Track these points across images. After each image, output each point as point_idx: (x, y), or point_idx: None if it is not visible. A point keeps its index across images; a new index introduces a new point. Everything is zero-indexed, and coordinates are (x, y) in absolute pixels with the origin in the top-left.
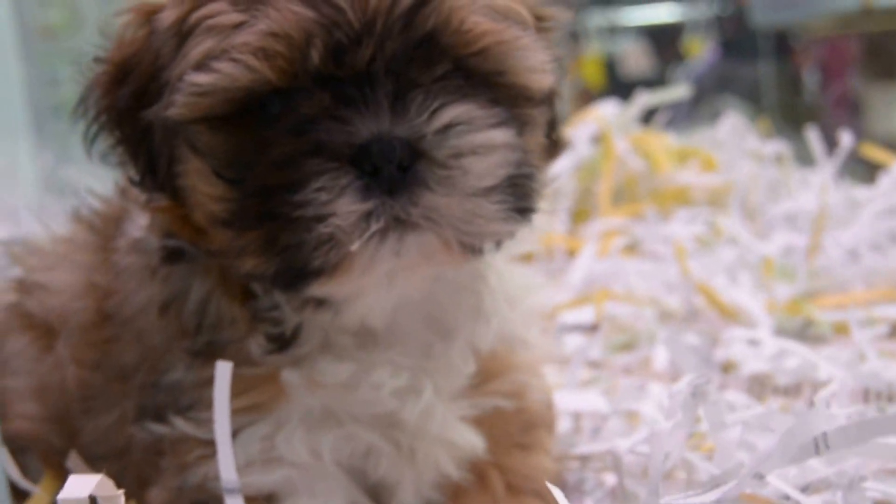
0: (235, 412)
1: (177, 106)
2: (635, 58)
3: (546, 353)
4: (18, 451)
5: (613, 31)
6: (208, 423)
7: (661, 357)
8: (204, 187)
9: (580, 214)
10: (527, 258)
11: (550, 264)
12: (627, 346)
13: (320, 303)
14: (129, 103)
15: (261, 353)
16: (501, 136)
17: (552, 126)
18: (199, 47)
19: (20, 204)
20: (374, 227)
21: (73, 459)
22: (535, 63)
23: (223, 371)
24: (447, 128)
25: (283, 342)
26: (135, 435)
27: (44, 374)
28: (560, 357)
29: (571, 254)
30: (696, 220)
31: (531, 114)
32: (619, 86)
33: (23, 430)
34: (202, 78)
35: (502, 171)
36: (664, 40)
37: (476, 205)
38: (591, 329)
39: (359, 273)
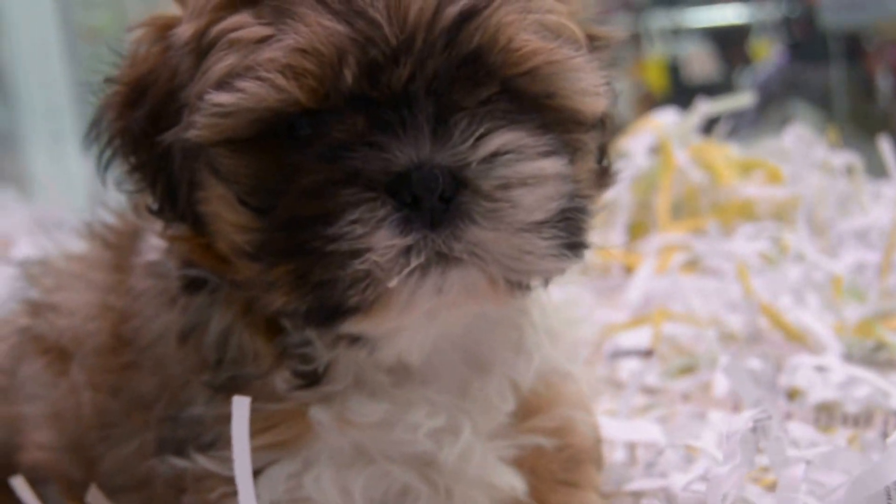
0: (259, 449)
1: (197, 127)
2: (700, 61)
3: (592, 389)
4: (38, 482)
5: (677, 32)
6: (231, 460)
7: (721, 383)
8: (228, 215)
9: (638, 229)
10: (581, 274)
11: (606, 281)
12: (686, 371)
13: (354, 340)
14: (144, 126)
15: (287, 388)
16: (553, 165)
17: (603, 152)
18: (221, 64)
19: (66, 213)
20: (415, 262)
21: (93, 494)
22: (587, 85)
23: (241, 407)
24: (494, 156)
25: (311, 379)
26: (156, 467)
27: (58, 400)
28: (610, 386)
29: (629, 270)
30: (761, 235)
31: (582, 139)
32: (682, 90)
33: (40, 460)
34: (225, 98)
35: (554, 205)
36: (730, 42)
37: (526, 241)
38: (648, 352)
39: (398, 311)
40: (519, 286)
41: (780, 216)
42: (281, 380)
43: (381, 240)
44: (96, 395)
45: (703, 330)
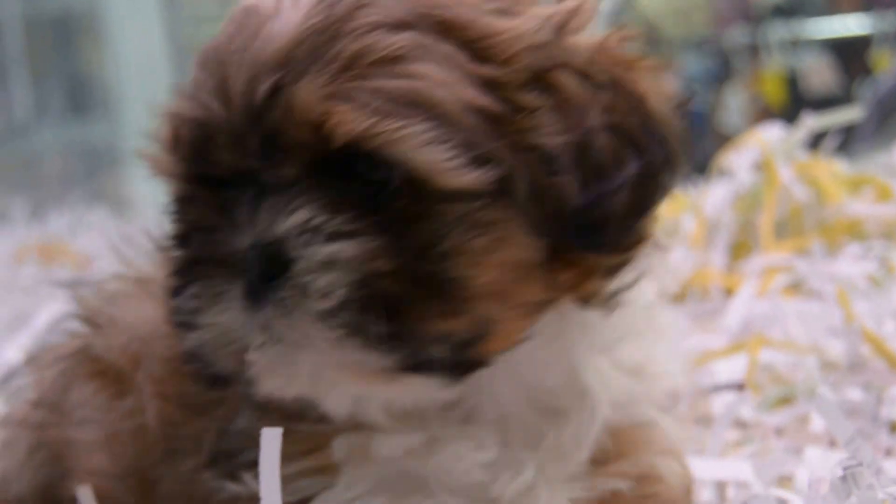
0: (304, 474)
1: None
2: (819, 73)
3: (680, 433)
4: None
5: (796, 44)
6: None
7: (819, 416)
8: None
9: (740, 249)
10: (679, 298)
11: (704, 304)
12: (783, 402)
13: None
14: None
15: (316, 414)
16: (351, 248)
17: (605, 217)
18: None
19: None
20: (257, 339)
21: None
22: (435, 157)
23: (271, 440)
24: (296, 236)
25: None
26: (209, 485)
27: (114, 423)
28: (702, 419)
29: (729, 292)
30: (868, 256)
31: (452, 211)
32: (801, 103)
33: (96, 490)
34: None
35: (342, 292)
36: (850, 54)
37: (312, 330)
38: (741, 385)
39: (268, 383)
40: (383, 370)
41: (890, 235)
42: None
43: (210, 316)
44: (165, 404)
45: (803, 358)
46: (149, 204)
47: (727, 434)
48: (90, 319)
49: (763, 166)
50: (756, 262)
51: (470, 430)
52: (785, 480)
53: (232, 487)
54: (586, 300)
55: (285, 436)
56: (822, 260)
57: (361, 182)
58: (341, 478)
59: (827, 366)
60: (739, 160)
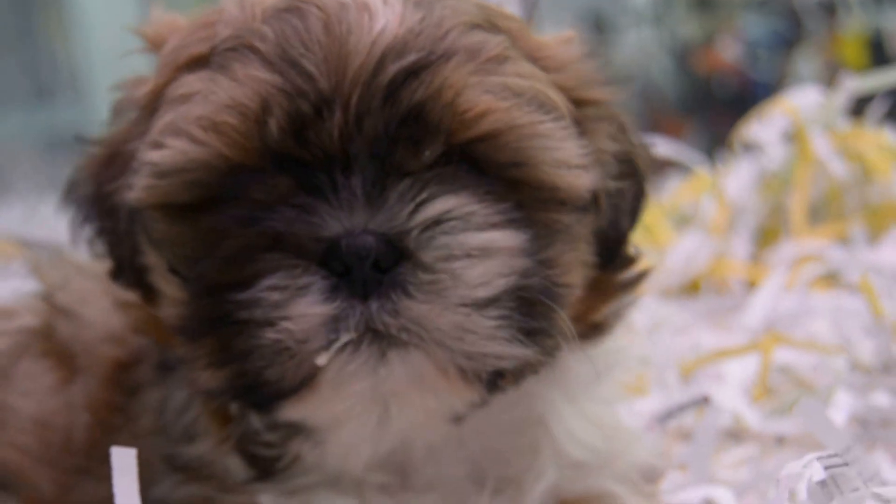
0: None
1: (135, 189)
2: None
3: None
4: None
5: (880, 1)
6: None
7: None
8: (161, 285)
9: (768, 236)
10: (691, 290)
11: (723, 300)
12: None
13: (296, 429)
14: (108, 190)
15: (244, 477)
16: (505, 238)
17: (610, 241)
18: (160, 122)
19: None
20: (345, 337)
21: None
22: (562, 156)
23: (124, 460)
24: (436, 223)
25: (265, 469)
26: None
27: (53, 410)
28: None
29: (752, 285)
30: None
31: (562, 221)
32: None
33: (11, 461)
34: (156, 156)
35: (503, 282)
36: None
37: (466, 318)
38: (705, 399)
39: (329, 394)
40: (478, 377)
41: None
42: (236, 466)
43: (300, 307)
44: (93, 423)
45: (829, 359)
46: None
47: (723, 448)
48: (53, 301)
49: (795, 138)
50: (785, 251)
51: (406, 499)
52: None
53: None
54: (586, 330)
55: (209, 503)
56: (864, 248)
57: (490, 176)
58: None
59: (857, 367)
60: (766, 132)
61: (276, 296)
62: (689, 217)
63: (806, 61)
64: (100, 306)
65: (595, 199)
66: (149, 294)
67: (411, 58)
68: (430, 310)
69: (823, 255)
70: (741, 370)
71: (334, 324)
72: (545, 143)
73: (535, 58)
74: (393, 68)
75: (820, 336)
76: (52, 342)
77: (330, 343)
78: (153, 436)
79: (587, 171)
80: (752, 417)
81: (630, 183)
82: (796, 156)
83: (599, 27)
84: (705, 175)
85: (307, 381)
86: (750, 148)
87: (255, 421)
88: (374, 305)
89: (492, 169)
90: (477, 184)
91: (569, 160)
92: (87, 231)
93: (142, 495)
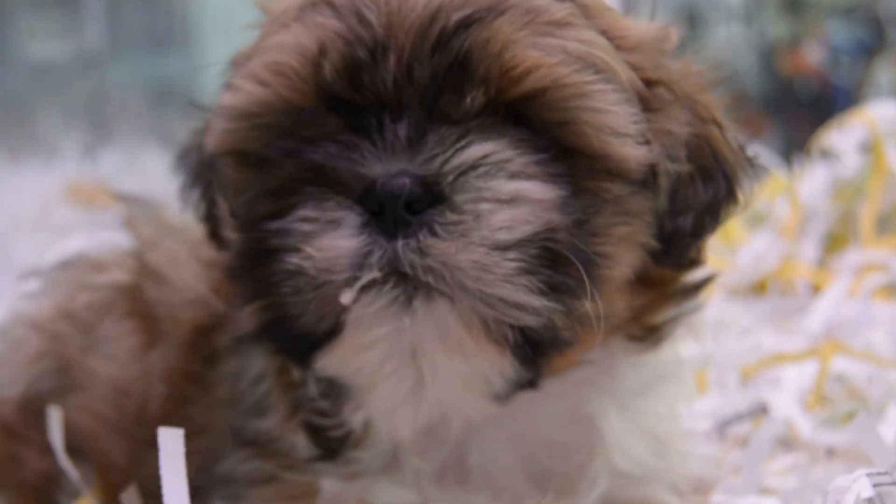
0: None
1: (212, 134)
2: None
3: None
4: (73, 450)
5: None
6: None
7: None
8: (228, 233)
9: (836, 241)
10: (759, 290)
11: (788, 301)
12: (849, 418)
13: (343, 393)
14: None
15: (307, 457)
16: (537, 189)
17: (675, 232)
18: (241, 70)
19: None
20: (369, 274)
21: (129, 495)
22: (611, 122)
23: (172, 440)
24: (471, 168)
25: (328, 447)
26: None
27: (132, 378)
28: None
29: (817, 290)
30: None
31: (611, 191)
32: None
33: (87, 428)
34: (228, 98)
35: (527, 228)
36: None
37: (485, 257)
38: (764, 409)
39: (354, 340)
40: (504, 337)
41: None
42: (301, 443)
43: (327, 239)
44: (167, 393)
45: (883, 370)
46: None
47: (773, 455)
48: (144, 260)
49: (871, 149)
50: (851, 258)
51: (460, 495)
52: None
53: None
54: (642, 332)
55: (272, 481)
56: None
57: (534, 133)
58: None
59: None
60: (844, 141)
61: (307, 226)
62: (763, 217)
63: (884, 70)
64: (188, 270)
65: (654, 176)
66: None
67: (465, 11)
68: (451, 247)
69: (888, 265)
70: (798, 376)
71: (359, 259)
72: (593, 104)
73: (609, 35)
74: (446, 19)
75: (878, 346)
76: (138, 303)
77: (354, 280)
78: (227, 407)
79: (640, 144)
80: (805, 425)
81: (709, 179)
82: (871, 166)
83: (692, 21)
84: (781, 177)
85: (333, 323)
86: (827, 154)
87: (312, 387)
88: (400, 244)
89: (539, 128)
90: (518, 134)
91: (618, 127)
92: (194, 195)
93: (209, 471)
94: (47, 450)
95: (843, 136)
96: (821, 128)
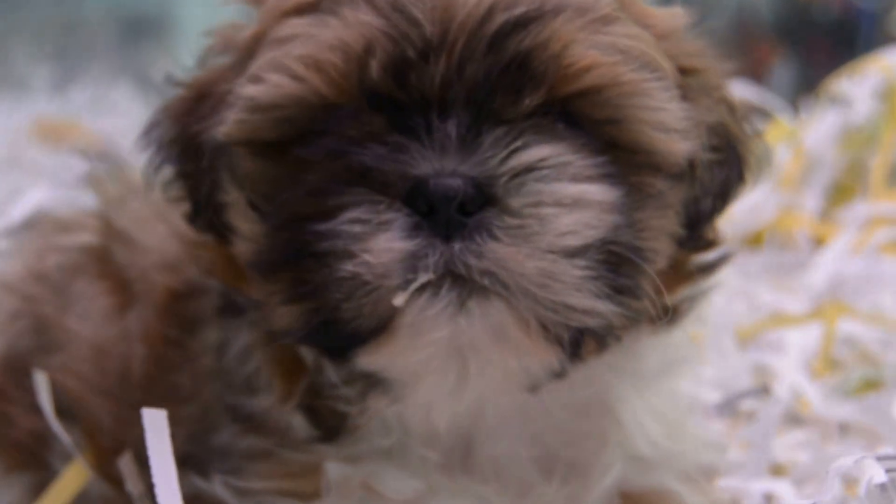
0: (273, 493)
1: (226, 123)
2: None
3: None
4: (61, 411)
5: None
6: (248, 493)
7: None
8: (239, 222)
9: (842, 193)
10: (753, 243)
11: (787, 255)
12: (869, 387)
13: (375, 382)
14: (195, 130)
15: (307, 437)
16: (598, 192)
17: (697, 216)
18: (260, 60)
19: None
20: (423, 277)
21: (126, 462)
22: (663, 119)
23: (155, 420)
24: (528, 171)
25: (330, 429)
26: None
27: (110, 338)
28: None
29: (819, 243)
30: None
31: (656, 185)
32: None
33: (71, 388)
34: (252, 90)
35: (593, 233)
36: None
37: (553, 265)
38: (764, 389)
39: (406, 341)
40: (560, 337)
41: None
42: (298, 424)
43: (381, 242)
44: (148, 355)
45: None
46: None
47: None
48: (110, 222)
49: (885, 97)
50: (858, 211)
51: (466, 483)
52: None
53: (198, 483)
54: (661, 314)
55: (270, 458)
56: None
57: (587, 131)
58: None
59: None
60: (857, 88)
61: (357, 228)
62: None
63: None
64: (155, 232)
65: (691, 167)
66: (223, 234)
67: (520, 9)
68: (516, 252)
69: None
70: (802, 339)
71: (413, 261)
72: (647, 103)
73: (643, 24)
74: (501, 18)
75: (886, 307)
76: (108, 264)
77: (408, 282)
78: (214, 378)
79: (686, 138)
80: (815, 397)
81: (723, 163)
82: (884, 115)
83: None
84: (784, 123)
85: (384, 324)
86: (837, 100)
87: (332, 374)
88: (456, 246)
89: (589, 125)
90: (573, 136)
91: (668, 123)
92: (165, 174)
93: (204, 441)
94: (35, 409)
95: (857, 82)
96: (839, 62)
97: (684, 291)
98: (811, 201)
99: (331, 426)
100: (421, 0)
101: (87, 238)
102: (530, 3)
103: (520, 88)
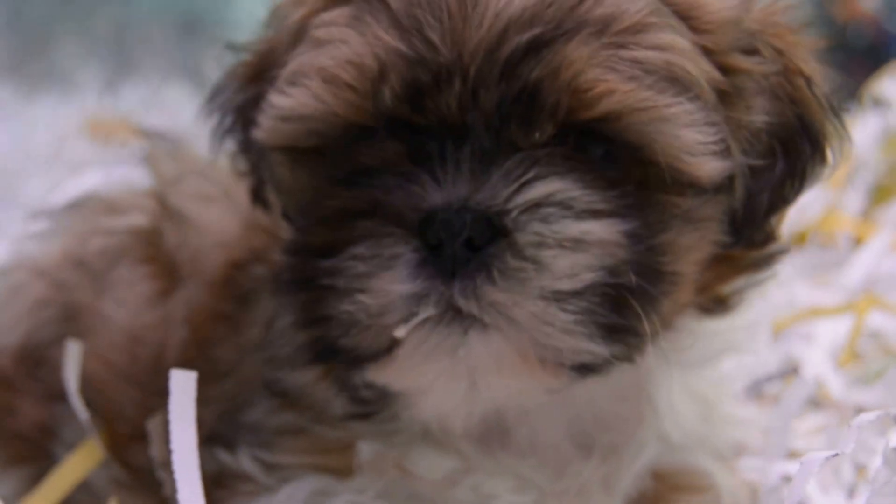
0: (305, 467)
1: (261, 129)
2: None
3: (731, 496)
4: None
5: None
6: (277, 468)
7: None
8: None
9: (882, 193)
10: (798, 242)
11: (828, 254)
12: (880, 376)
13: (385, 389)
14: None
15: (342, 415)
16: (603, 230)
17: (738, 220)
18: (295, 61)
19: None
20: (424, 313)
21: (156, 424)
22: (689, 142)
23: (183, 382)
24: (536, 206)
25: (368, 408)
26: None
27: (147, 325)
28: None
29: (859, 242)
30: None
31: (681, 205)
32: None
33: (96, 376)
34: (279, 100)
35: (591, 276)
36: None
37: (544, 310)
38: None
39: (408, 366)
40: (561, 366)
41: None
42: (336, 402)
43: (381, 282)
44: (189, 339)
45: None
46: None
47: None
48: (164, 201)
49: None
50: None
51: (504, 460)
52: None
53: (224, 458)
54: (712, 304)
55: (303, 434)
56: None
57: (601, 158)
58: (352, 482)
59: None
60: (893, 89)
61: (360, 267)
62: None
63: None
64: (216, 210)
65: (730, 180)
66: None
67: (535, 31)
68: (508, 298)
69: None
70: (832, 332)
71: (415, 300)
72: (669, 129)
73: (686, 15)
74: (513, 42)
75: None
76: (156, 248)
77: (409, 317)
78: (258, 351)
79: (717, 157)
80: (836, 384)
81: (788, 152)
82: None
83: None
84: None
85: (385, 350)
86: (879, 103)
87: (355, 378)
88: (456, 286)
89: (609, 149)
90: (588, 165)
91: (694, 147)
92: (231, 144)
93: (234, 419)
94: (44, 400)
95: (894, 84)
96: (874, 76)
97: (737, 282)
98: (854, 202)
99: (367, 404)
100: (438, 19)
101: (136, 219)
102: (548, 21)
103: (531, 120)
